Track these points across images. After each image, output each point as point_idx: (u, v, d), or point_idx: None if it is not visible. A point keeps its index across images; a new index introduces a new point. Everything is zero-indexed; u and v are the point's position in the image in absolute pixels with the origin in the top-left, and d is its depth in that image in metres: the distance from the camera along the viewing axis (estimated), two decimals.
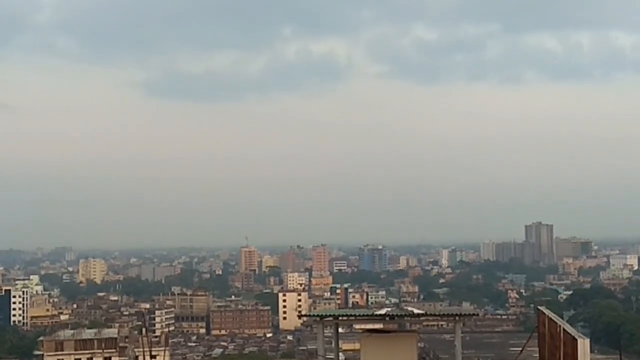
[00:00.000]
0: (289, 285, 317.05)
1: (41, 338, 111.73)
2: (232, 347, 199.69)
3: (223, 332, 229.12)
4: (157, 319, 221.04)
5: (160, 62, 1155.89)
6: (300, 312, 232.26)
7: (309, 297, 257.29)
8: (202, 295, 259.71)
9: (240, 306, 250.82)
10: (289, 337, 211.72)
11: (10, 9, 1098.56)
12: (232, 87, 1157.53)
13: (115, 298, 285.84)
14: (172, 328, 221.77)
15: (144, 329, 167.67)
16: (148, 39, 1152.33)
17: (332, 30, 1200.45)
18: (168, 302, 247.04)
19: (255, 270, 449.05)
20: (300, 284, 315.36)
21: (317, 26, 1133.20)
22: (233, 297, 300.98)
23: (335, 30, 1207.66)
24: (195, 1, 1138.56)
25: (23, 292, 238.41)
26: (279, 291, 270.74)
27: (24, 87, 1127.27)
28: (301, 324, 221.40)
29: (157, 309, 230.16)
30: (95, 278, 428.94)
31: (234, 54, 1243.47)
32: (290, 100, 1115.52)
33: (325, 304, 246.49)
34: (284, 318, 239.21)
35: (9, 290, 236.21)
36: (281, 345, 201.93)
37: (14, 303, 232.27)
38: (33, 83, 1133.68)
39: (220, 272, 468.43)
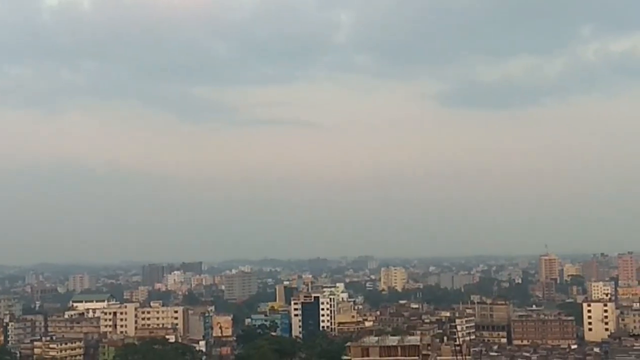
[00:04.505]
0: (593, 295, 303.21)
1: (348, 344, 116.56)
2: (536, 357, 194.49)
3: (525, 342, 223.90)
4: (458, 328, 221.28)
5: (454, 72, 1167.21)
6: (606, 323, 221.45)
7: (616, 308, 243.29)
8: (502, 304, 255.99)
9: (542, 316, 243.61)
10: (596, 350, 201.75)
11: (312, 31, 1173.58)
12: (528, 92, 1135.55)
13: (416, 306, 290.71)
14: (472, 337, 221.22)
15: (445, 337, 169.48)
16: (441, 50, 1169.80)
17: (634, 27, 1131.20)
18: (468, 311, 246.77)
19: (556, 279, 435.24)
20: (606, 294, 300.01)
21: (618, 23, 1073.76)
22: (534, 306, 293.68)
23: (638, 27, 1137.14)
24: (487, 9, 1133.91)
25: (330, 299, 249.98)
26: (583, 301, 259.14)
27: (324, 104, 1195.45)
28: (608, 336, 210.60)
29: (457, 318, 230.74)
30: (396, 286, 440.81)
31: (529, 58, 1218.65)
32: (591, 102, 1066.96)
33: (633, 315, 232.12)
34: (590, 329, 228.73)
35: (318, 297, 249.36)
36: (587, 357, 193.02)
37: (322, 309, 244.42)
38: (333, 100, 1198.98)
39: (520, 281, 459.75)
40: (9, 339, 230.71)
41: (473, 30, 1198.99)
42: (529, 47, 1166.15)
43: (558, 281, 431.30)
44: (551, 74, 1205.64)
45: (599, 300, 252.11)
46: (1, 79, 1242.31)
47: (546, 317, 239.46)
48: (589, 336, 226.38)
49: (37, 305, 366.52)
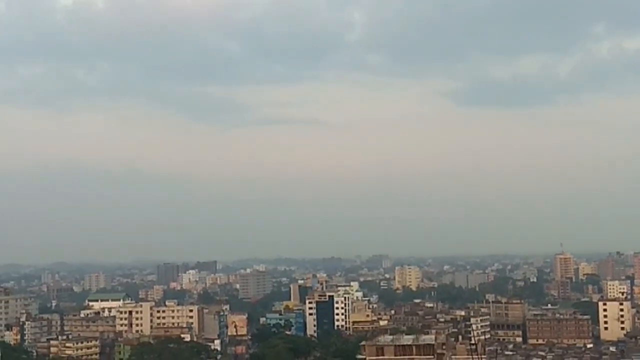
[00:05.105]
0: (609, 294, 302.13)
1: (363, 342, 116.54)
2: (551, 357, 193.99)
3: (540, 341, 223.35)
4: (473, 327, 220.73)
5: (466, 70, 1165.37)
6: (622, 322, 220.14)
7: (632, 307, 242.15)
8: (517, 303, 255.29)
9: (557, 315, 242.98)
10: (612, 349, 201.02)
11: (324, 29, 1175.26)
12: (540, 90, 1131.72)
13: (431, 305, 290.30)
14: (487, 336, 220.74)
15: (460, 336, 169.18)
16: (453, 48, 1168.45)
17: None
18: (483, 310, 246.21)
19: (571, 278, 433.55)
20: (622, 293, 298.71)
21: (631, 21, 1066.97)
22: (549, 305, 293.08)
23: None
24: (499, 7, 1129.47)
25: (345, 298, 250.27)
26: (599, 300, 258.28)
27: (335, 103, 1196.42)
28: (624, 335, 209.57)
29: (472, 317, 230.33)
30: (410, 285, 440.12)
31: (542, 57, 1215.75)
32: (604, 100, 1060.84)
33: None
34: (605, 328, 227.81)
35: (332, 296, 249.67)
36: (603, 356, 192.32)
37: (337, 308, 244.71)
38: (344, 99, 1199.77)
39: (535, 280, 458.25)
40: (25, 337, 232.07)
41: (485, 28, 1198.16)
42: (541, 45, 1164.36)
43: (573, 280, 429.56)
44: (564, 72, 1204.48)
45: (614, 299, 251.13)
46: (14, 78, 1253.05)
47: (562, 316, 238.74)
48: (604, 335, 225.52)
49: (53, 305, 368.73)
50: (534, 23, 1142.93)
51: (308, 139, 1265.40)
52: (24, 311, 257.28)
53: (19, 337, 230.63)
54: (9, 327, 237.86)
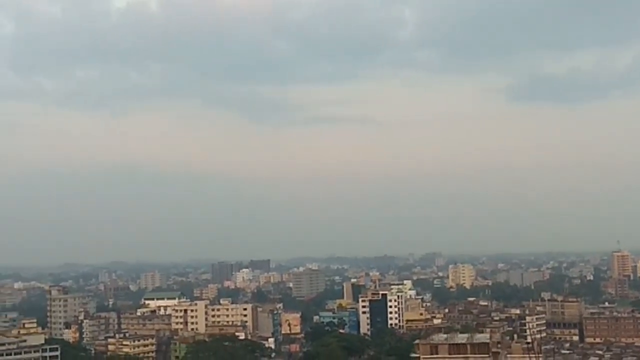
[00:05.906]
0: None
1: (417, 341, 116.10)
2: (609, 356, 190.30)
3: (597, 340, 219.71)
4: (528, 325, 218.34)
5: (521, 65, 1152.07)
6: None
7: None
8: (573, 302, 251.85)
9: (615, 313, 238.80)
10: None
11: (374, 27, 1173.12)
12: (595, 85, 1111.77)
13: (485, 303, 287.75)
14: (543, 334, 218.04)
15: (515, 335, 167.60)
16: (508, 43, 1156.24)
17: None
18: (538, 308, 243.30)
19: (629, 275, 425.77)
20: None
21: None
22: (606, 303, 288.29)
23: None
24: (553, 1, 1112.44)
25: (398, 296, 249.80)
26: None
27: (387, 101, 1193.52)
28: None
29: (528, 315, 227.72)
30: (464, 283, 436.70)
31: (597, 51, 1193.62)
32: None
33: None
34: None
35: (386, 294, 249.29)
36: None
37: (390, 307, 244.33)
38: (396, 97, 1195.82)
39: (591, 278, 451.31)
40: (83, 335, 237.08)
41: (539, 22, 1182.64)
42: (596, 39, 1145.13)
43: (631, 278, 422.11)
44: (620, 66, 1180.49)
45: None
46: (70, 81, 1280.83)
47: (619, 315, 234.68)
48: None
49: (111, 303, 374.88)
50: (588, 16, 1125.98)
51: (360, 138, 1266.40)
52: (82, 310, 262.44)
53: (77, 335, 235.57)
54: (67, 326, 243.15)
